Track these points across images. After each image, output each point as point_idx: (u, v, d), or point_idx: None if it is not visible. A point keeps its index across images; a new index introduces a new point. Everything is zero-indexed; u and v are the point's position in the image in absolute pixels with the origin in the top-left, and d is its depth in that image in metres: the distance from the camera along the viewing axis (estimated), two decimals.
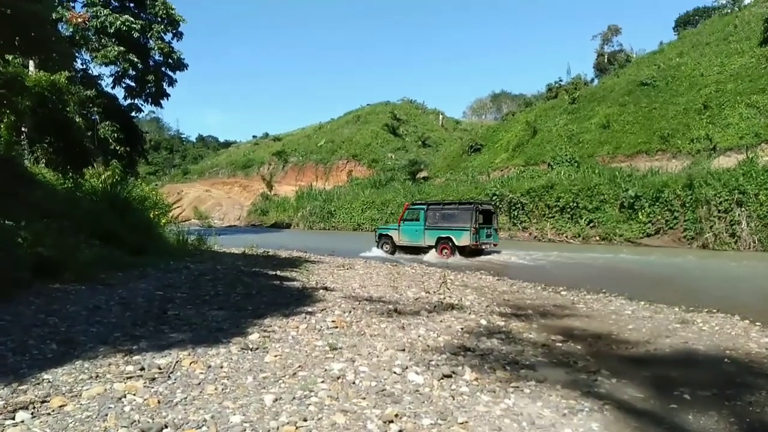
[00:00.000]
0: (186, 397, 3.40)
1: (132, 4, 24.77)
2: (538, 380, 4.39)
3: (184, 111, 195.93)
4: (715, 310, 8.22)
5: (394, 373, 4.17)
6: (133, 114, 26.54)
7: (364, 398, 3.60)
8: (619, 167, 28.92)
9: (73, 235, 9.04)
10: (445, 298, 7.90)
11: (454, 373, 4.29)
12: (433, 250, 18.31)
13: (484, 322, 6.62)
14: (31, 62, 15.55)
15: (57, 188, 12.57)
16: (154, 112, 74.89)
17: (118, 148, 24.66)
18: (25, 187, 10.97)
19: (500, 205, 29.45)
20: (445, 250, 18.07)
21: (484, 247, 18.43)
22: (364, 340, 5.18)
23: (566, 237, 25.62)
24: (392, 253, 19.48)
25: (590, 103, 39.31)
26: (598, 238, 24.53)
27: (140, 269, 9.15)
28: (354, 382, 3.88)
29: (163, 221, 16.13)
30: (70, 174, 14.14)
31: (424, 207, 19.69)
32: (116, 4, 24.59)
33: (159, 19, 24.73)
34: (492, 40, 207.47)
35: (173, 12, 24.83)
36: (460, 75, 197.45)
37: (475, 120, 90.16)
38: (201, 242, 15.31)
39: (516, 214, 28.58)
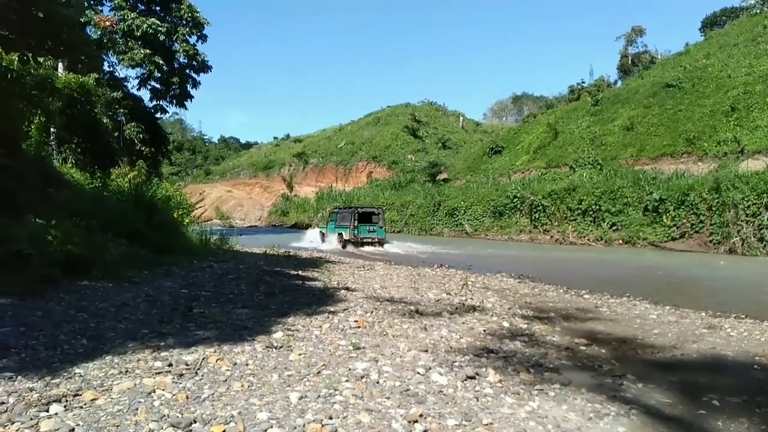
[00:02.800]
0: (213, 393, 3.45)
1: (158, 8, 25.15)
2: (562, 383, 4.35)
3: (207, 112, 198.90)
4: (743, 316, 8.05)
5: (418, 373, 4.17)
6: (157, 115, 26.94)
7: (389, 398, 3.61)
8: (643, 170, 28.47)
9: (100, 233, 9.23)
10: (466, 300, 7.88)
11: (477, 374, 4.28)
12: (333, 239, 25.57)
13: (506, 324, 6.59)
14: (60, 64, 15.92)
15: (85, 188, 12.85)
16: (177, 114, 75.58)
17: (143, 148, 25.07)
18: (54, 186, 11.23)
19: (521, 208, 29.24)
20: (340, 241, 24.87)
21: (365, 240, 24.47)
22: (387, 340, 5.19)
23: (588, 240, 25.32)
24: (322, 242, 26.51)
25: (613, 105, 38.80)
26: (621, 241, 24.19)
27: (165, 268, 9.31)
28: (378, 382, 3.90)
29: (187, 221, 16.38)
30: (98, 174, 14.44)
31: (336, 211, 27.31)
32: (143, 7, 25.01)
33: (184, 22, 25.08)
34: (513, 42, 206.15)
35: (198, 15, 25.16)
36: (480, 77, 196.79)
37: (496, 122, 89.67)
38: (223, 242, 15.51)
39: (537, 216, 28.34)
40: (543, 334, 6.27)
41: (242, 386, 3.61)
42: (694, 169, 27.19)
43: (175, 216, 15.02)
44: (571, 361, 5.15)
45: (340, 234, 25.17)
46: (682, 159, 29.40)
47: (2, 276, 6.76)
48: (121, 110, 24.01)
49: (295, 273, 10.17)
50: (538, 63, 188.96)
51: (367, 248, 23.62)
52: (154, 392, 3.38)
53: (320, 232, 27.94)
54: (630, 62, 54.28)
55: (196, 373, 3.80)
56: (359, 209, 26.28)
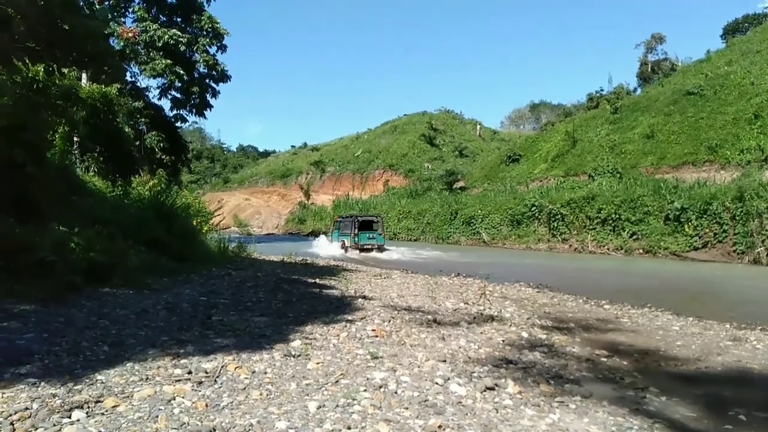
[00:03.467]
0: (232, 402, 3.46)
1: (179, 19, 25.62)
2: (583, 395, 4.28)
3: (226, 121, 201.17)
4: None
5: (436, 383, 4.14)
6: (177, 124, 27.34)
7: (407, 408, 3.58)
8: (664, 178, 28.05)
9: (121, 241, 9.36)
10: (485, 310, 7.81)
11: (496, 385, 4.23)
12: (336, 246, 27.68)
13: (525, 334, 6.51)
14: (84, 75, 16.27)
15: (106, 196, 13.06)
16: (197, 123, 76.71)
17: (163, 157, 25.44)
18: (78, 194, 11.44)
19: (539, 216, 28.99)
20: (342, 247, 27.08)
21: (365, 246, 26.51)
22: (405, 349, 5.17)
23: (608, 249, 24.98)
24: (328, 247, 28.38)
25: (633, 112, 38.38)
26: (641, 251, 23.81)
27: (184, 275, 9.40)
28: (396, 392, 3.87)
29: (205, 228, 16.55)
30: (119, 182, 14.68)
31: (339, 220, 30.20)
32: (164, 18, 25.50)
33: (204, 33, 25.48)
34: (531, 50, 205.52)
35: (218, 26, 25.54)
36: (498, 85, 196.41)
37: (513, 130, 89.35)
38: (241, 249, 15.63)
39: (556, 225, 28.05)
40: (563, 344, 6.18)
41: (261, 395, 3.62)
42: (717, 177, 26.69)
43: (194, 224, 15.20)
44: (592, 373, 5.07)
45: (342, 241, 27.58)
46: (704, 167, 28.92)
47: (27, 283, 6.89)
48: (142, 119, 24.41)
49: (313, 281, 10.19)
50: (556, 71, 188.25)
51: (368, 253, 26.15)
52: (174, 400, 3.41)
53: (326, 238, 30.71)
54: (650, 70, 53.75)
55: (215, 380, 3.81)
56: (359, 218, 28.27)
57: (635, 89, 51.28)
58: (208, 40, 25.38)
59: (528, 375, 4.73)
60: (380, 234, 27.67)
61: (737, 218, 21.10)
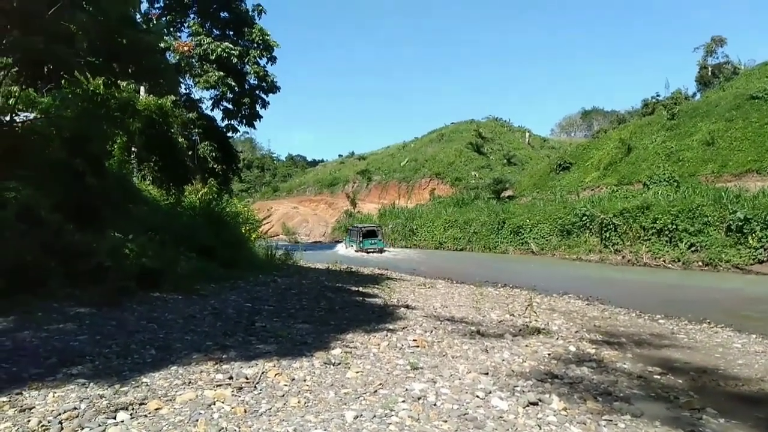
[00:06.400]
0: (270, 408, 3.48)
1: (231, 32, 26.46)
2: (633, 414, 4.07)
3: (276, 131, 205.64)
4: None
5: (477, 396, 4.03)
6: (229, 134, 28.14)
7: (446, 421, 3.50)
8: (725, 187, 26.64)
9: (173, 248, 9.68)
10: (531, 322, 7.60)
11: (540, 400, 4.08)
12: (351, 249, 35.12)
13: (572, 348, 6.29)
14: (141, 88, 17.02)
15: (160, 204, 13.56)
16: (248, 133, 78.91)
17: (215, 166, 26.25)
18: (133, 202, 11.93)
19: (591, 226, 28.10)
20: (351, 250, 34.49)
21: (368, 250, 33.82)
22: (446, 361, 5.08)
23: (664, 261, 23.89)
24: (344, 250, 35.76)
25: (692, 118, 36.75)
26: (700, 263, 22.64)
27: (231, 282, 9.61)
28: (435, 404, 3.80)
29: (254, 236, 16.92)
30: (173, 191, 15.22)
31: (350, 230, 39.43)
32: (218, 32, 26.39)
33: (255, 45, 26.20)
34: (583, 55, 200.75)
35: (268, 38, 26.22)
36: (548, 92, 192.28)
37: (564, 138, 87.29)
38: (287, 257, 15.87)
39: (608, 235, 27.05)
40: (613, 360, 5.93)
41: (299, 402, 3.62)
42: None
43: (243, 231, 15.57)
44: (643, 391, 4.82)
45: (352, 245, 35.98)
46: None
47: (84, 287, 7.22)
48: (196, 130, 25.27)
49: (356, 289, 10.22)
50: (609, 76, 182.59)
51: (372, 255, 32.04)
52: (214, 404, 3.46)
53: (341, 245, 39.30)
54: (710, 74, 51.38)
55: (255, 386, 3.85)
56: (364, 228, 37.23)
57: (694, 94, 49.26)
58: (258, 52, 26.07)
59: (574, 391, 4.55)
60: (380, 240, 36.07)
61: None
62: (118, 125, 10.78)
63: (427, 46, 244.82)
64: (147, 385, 3.77)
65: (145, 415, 3.26)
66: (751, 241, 21.23)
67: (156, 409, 3.35)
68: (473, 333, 6.61)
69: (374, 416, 3.45)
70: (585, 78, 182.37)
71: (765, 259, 20.84)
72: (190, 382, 3.84)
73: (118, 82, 10.83)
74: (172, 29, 25.92)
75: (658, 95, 49.51)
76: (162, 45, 22.12)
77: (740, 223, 21.75)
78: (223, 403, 3.49)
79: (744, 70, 45.58)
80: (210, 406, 3.43)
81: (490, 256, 31.47)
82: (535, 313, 8.30)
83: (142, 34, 9.20)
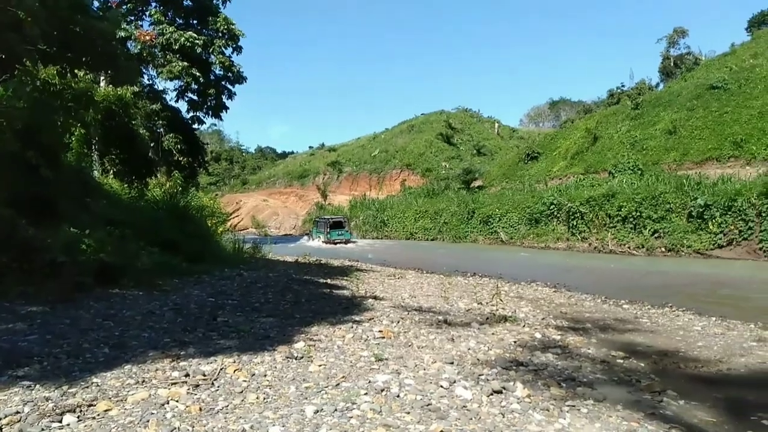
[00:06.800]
0: (227, 405, 3.37)
1: (195, 21, 25.78)
2: (596, 399, 4.09)
3: (245, 123, 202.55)
4: None
5: (441, 387, 3.99)
6: (194, 126, 27.52)
7: (409, 413, 3.45)
8: (687, 175, 27.33)
9: (133, 242, 9.39)
10: (497, 310, 7.62)
11: (504, 388, 4.06)
12: (318, 241, 34.68)
13: (538, 335, 6.32)
14: (102, 79, 16.44)
15: (122, 197, 13.16)
16: (215, 125, 77.62)
17: (180, 159, 25.67)
18: (92, 196, 11.52)
19: (558, 215, 28.53)
20: (320, 241, 34.45)
21: (335, 241, 33.98)
22: (412, 351, 5.03)
23: (629, 248, 24.43)
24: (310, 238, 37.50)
25: (655, 108, 37.57)
26: (663, 249, 23.22)
27: (196, 276, 9.39)
28: (398, 396, 3.74)
29: (220, 230, 16.60)
30: (135, 184, 14.79)
31: (317, 221, 39.88)
32: (181, 21, 25.68)
33: (220, 35, 25.59)
34: (551, 47, 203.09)
35: (234, 27, 25.62)
36: (516, 82, 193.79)
37: (533, 128, 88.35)
38: (256, 250, 15.62)
39: (575, 224, 27.51)
40: (577, 345, 5.98)
41: (257, 398, 3.52)
42: (742, 173, 25.93)
43: (209, 225, 15.25)
44: (606, 375, 4.87)
45: (319, 236, 35.93)
46: (728, 163, 28.14)
47: (38, 284, 6.93)
48: (160, 122, 24.64)
49: (324, 281, 10.11)
50: (576, 67, 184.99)
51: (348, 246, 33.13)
52: (168, 403, 3.32)
53: (308, 235, 39.73)
54: (672, 64, 52.63)
55: (213, 383, 3.73)
56: (331, 219, 37.69)
57: (657, 84, 50.45)
58: (223, 41, 25.47)
59: (539, 377, 4.56)
60: (347, 231, 36.57)
61: (763, 215, 20.43)
62: (73, 116, 10.36)
63: (396, 35, 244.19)
64: (97, 385, 3.60)
65: (94, 417, 3.11)
66: (711, 227, 21.86)
67: (105, 410, 3.20)
68: (440, 322, 6.59)
69: (335, 410, 3.38)
70: (553, 69, 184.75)
71: (724, 244, 21.50)
72: (143, 381, 3.69)
73: (74, 71, 10.43)
74: (133, 18, 25.13)
75: (623, 85, 50.51)
76: (122, 34, 21.54)
77: (701, 210, 22.35)
78: (177, 401, 3.36)
79: (705, 61, 46.81)
80: (163, 405, 3.30)
81: (461, 246, 31.72)
82: (502, 301, 8.34)
83: (96, 22, 8.86)
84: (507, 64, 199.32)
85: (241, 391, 3.62)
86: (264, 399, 3.52)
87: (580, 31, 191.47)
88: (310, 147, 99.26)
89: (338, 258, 20.12)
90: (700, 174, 27.01)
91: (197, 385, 3.66)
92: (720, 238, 21.56)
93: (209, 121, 29.42)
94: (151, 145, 21.29)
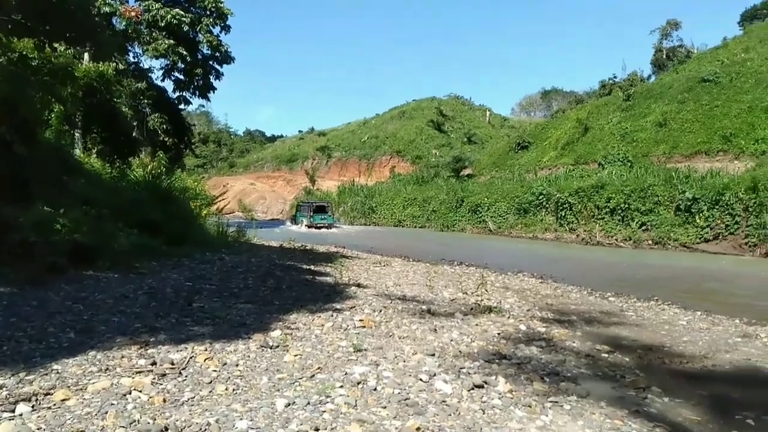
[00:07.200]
0: (194, 397, 3.19)
1: None
2: (579, 395, 3.96)
3: (234, 105, 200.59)
4: None
5: (420, 380, 3.83)
6: (181, 106, 27.01)
7: (385, 407, 3.29)
8: (676, 168, 27.41)
9: (111, 223, 9.12)
10: (482, 301, 7.49)
11: (486, 383, 3.92)
12: (302, 226, 34.50)
13: (523, 327, 6.20)
14: (86, 54, 15.96)
15: (102, 177, 12.82)
16: (203, 106, 76.47)
17: (166, 139, 25.22)
18: (70, 175, 11.19)
19: (547, 205, 28.52)
20: (302, 225, 34.65)
21: (318, 225, 34.26)
22: (392, 342, 4.87)
23: (616, 240, 24.51)
24: (294, 223, 37.73)
25: (646, 100, 37.59)
26: (650, 242, 23.31)
27: (175, 259, 9.17)
28: (375, 389, 3.58)
29: (204, 212, 16.32)
30: (117, 163, 14.45)
31: (300, 205, 39.69)
32: None
33: (208, 13, 25.01)
34: (544, 36, 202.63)
35: (222, 5, 25.03)
36: (509, 71, 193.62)
37: (524, 117, 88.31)
38: (240, 234, 15.37)
39: (563, 214, 27.54)
40: (562, 339, 5.86)
41: (227, 389, 3.34)
42: (731, 167, 26.05)
43: (193, 207, 14.97)
44: (591, 370, 4.75)
45: (302, 221, 35.83)
46: (717, 157, 28.26)
47: (9, 264, 6.67)
48: (145, 101, 24.13)
49: (307, 267, 9.92)
50: (568, 58, 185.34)
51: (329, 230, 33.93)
52: (130, 394, 3.14)
53: (291, 219, 39.71)
54: (665, 56, 52.65)
55: (181, 373, 3.54)
56: (315, 203, 37.91)
57: (649, 76, 50.47)
58: (211, 20, 24.91)
59: (522, 371, 4.42)
60: (330, 215, 36.83)
61: (750, 210, 20.55)
62: (48, 91, 10.00)
63: (391, 20, 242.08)
64: (57, 372, 3.41)
65: (49, 407, 2.91)
66: (698, 221, 21.95)
67: (63, 399, 3.01)
68: (423, 312, 6.44)
69: (308, 403, 3.21)
70: (546, 59, 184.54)
71: (711, 238, 21.61)
72: (107, 369, 3.50)
73: (53, 45, 10.07)
74: None
75: (615, 77, 50.47)
76: (107, 9, 20.96)
77: (688, 203, 22.43)
78: (140, 392, 3.17)
79: (696, 54, 46.89)
80: (125, 395, 3.11)
81: (448, 234, 31.64)
82: (487, 291, 8.21)
83: None
84: (499, 52, 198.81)
85: (210, 382, 3.44)
86: (234, 390, 3.34)
87: (573, 20, 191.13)
88: (300, 131, 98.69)
89: (325, 244, 19.92)
90: (689, 167, 27.11)
91: (164, 374, 3.47)
92: (707, 232, 21.68)
93: (196, 101, 28.93)
94: (134, 124, 20.82)
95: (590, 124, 38.94)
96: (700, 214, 21.95)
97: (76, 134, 15.40)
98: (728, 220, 21.18)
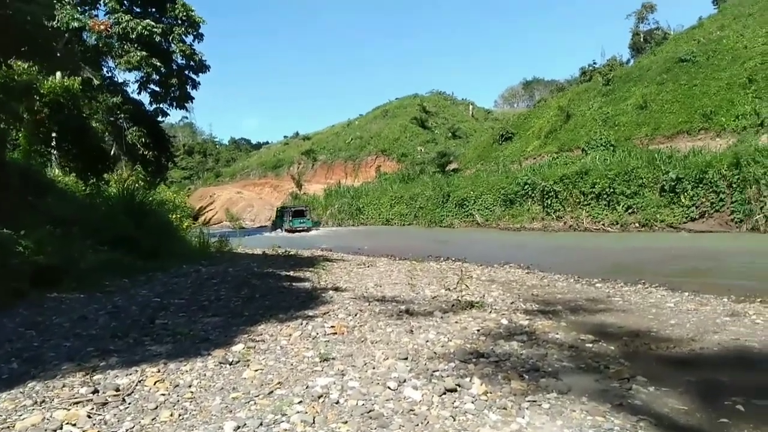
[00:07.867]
0: (133, 427, 2.91)
1: (153, 9, 24.72)
2: (560, 391, 3.73)
3: (218, 116, 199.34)
4: None
5: (389, 388, 3.58)
6: (159, 118, 26.55)
7: (346, 422, 3.04)
8: (659, 149, 27.38)
9: (79, 241, 8.80)
10: (463, 296, 7.25)
11: (459, 386, 3.67)
12: (281, 230, 36.79)
13: (505, 321, 5.97)
14: (58, 73, 15.50)
15: (75, 194, 12.48)
16: (186, 118, 75.69)
17: (146, 153, 24.79)
18: (39, 194, 10.85)
19: (533, 194, 28.39)
20: (282, 229, 36.85)
21: (297, 229, 36.37)
22: (363, 347, 4.62)
23: (603, 225, 24.42)
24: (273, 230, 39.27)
25: (626, 83, 37.60)
26: (637, 224, 23.26)
27: (149, 274, 8.87)
28: (338, 402, 3.33)
29: (185, 224, 15.99)
30: (92, 180, 14.08)
31: (279, 211, 41.67)
32: (138, 9, 24.58)
33: (179, 22, 24.59)
34: (523, 27, 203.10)
35: (193, 14, 24.62)
36: (490, 64, 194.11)
37: (507, 109, 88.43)
38: (223, 244, 15.06)
39: (549, 203, 27.43)
40: (545, 331, 5.64)
41: (172, 416, 3.07)
42: (712, 145, 26.06)
43: (172, 219, 14.65)
44: (573, 363, 4.52)
45: (281, 225, 38.01)
46: (699, 135, 28.27)
47: None
48: (122, 115, 23.70)
49: (286, 274, 9.64)
50: (549, 47, 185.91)
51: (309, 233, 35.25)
52: (61, 429, 2.86)
53: (272, 225, 41.41)
54: (642, 40, 52.71)
55: (124, 399, 3.27)
56: (293, 209, 40.40)
57: (628, 60, 50.46)
58: (183, 29, 24.49)
59: (499, 370, 4.19)
60: (308, 219, 38.96)
61: (734, 186, 20.53)
62: (3, 109, 9.66)
63: (367, 19, 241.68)
64: None
65: None
66: (683, 200, 21.91)
67: None
68: (401, 313, 6.19)
69: (260, 424, 2.95)
70: (526, 49, 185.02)
71: (697, 216, 21.58)
72: (43, 402, 3.21)
73: (6, 61, 9.71)
74: (87, 7, 23.97)
75: (594, 63, 50.29)
76: (75, 24, 20.53)
77: (673, 183, 22.39)
78: (74, 425, 2.89)
79: (673, 35, 46.99)
80: (56, 431, 2.83)
81: (437, 231, 31.46)
82: (468, 287, 7.99)
83: (21, 4, 8.16)
84: (480, 45, 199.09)
85: (156, 407, 3.17)
86: (180, 416, 3.07)
87: (550, 9, 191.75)
88: (285, 136, 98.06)
89: (312, 248, 19.65)
90: (671, 148, 27.12)
91: (105, 403, 3.19)
92: (692, 211, 21.66)
93: (177, 113, 28.62)
94: (108, 140, 20.40)
95: (572, 111, 38.92)
96: (685, 194, 21.92)
97: (54, 153, 14.99)
98: (713, 198, 21.16)
